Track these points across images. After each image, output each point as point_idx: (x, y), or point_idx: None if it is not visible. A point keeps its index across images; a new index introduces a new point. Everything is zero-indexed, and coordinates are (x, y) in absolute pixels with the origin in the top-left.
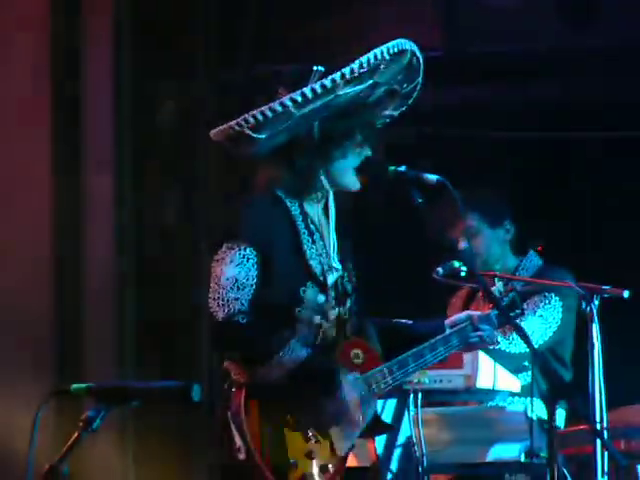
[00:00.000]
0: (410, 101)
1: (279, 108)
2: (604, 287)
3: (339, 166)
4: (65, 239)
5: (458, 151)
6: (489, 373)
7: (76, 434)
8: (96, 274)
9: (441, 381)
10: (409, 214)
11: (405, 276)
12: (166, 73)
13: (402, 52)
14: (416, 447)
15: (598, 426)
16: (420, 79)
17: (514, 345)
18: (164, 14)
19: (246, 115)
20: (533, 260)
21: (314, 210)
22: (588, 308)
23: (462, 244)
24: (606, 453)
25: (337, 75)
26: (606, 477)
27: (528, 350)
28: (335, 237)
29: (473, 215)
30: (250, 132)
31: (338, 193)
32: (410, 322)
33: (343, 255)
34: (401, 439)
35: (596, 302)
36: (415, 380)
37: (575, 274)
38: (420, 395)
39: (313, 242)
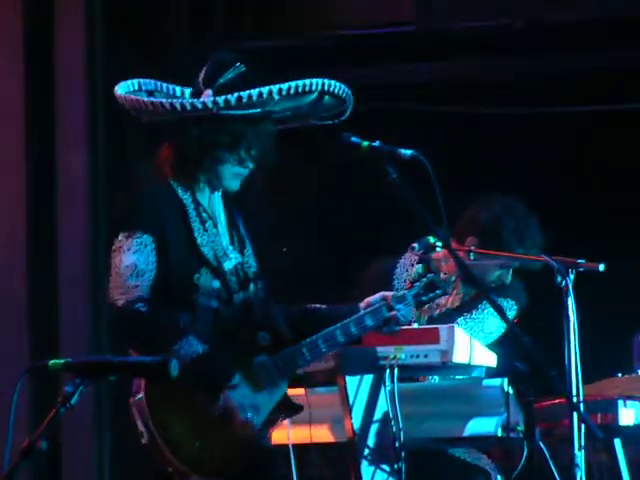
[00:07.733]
0: (343, 117)
1: (166, 106)
2: (579, 261)
3: (222, 169)
4: (40, 223)
5: (430, 126)
6: (465, 348)
7: (54, 410)
8: (70, 258)
9: (417, 356)
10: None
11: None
12: (138, 53)
13: (303, 93)
14: (393, 422)
15: (575, 399)
16: (347, 106)
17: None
18: None
19: (145, 100)
20: None
21: (207, 199)
22: (563, 282)
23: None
24: (583, 426)
25: (220, 99)
26: (583, 451)
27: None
28: (229, 224)
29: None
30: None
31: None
32: (324, 306)
33: (242, 241)
34: (378, 415)
35: (571, 276)
36: (391, 356)
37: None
38: (396, 370)
39: (205, 230)
